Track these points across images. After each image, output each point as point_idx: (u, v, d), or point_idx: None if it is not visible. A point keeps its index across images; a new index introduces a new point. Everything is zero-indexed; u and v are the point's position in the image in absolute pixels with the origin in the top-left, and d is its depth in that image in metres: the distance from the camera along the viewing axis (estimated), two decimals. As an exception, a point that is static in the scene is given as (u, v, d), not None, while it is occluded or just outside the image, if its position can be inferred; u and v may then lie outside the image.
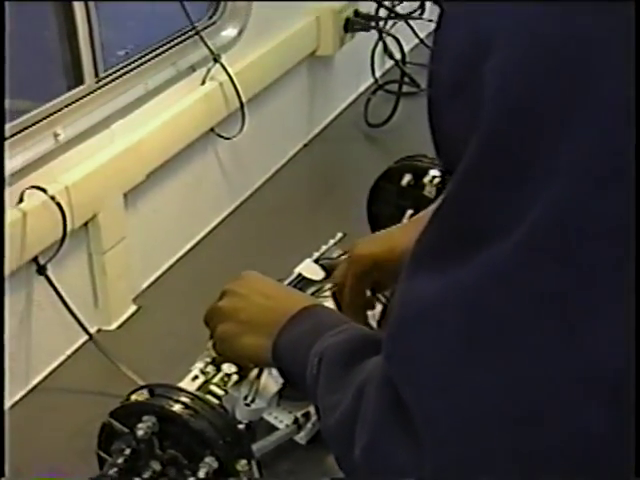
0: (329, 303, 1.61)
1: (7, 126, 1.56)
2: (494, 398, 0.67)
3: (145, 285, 1.90)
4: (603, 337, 0.63)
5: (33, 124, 1.60)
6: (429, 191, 1.78)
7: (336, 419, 0.89)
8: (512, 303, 0.65)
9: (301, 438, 1.41)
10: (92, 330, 1.69)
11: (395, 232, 1.49)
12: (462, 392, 0.69)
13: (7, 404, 1.55)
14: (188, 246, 2.03)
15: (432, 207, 1.42)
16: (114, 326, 1.77)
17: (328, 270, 1.70)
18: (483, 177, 0.66)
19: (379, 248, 1.43)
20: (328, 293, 1.64)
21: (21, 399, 1.59)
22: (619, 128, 0.60)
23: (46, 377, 1.63)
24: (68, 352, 1.68)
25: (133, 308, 1.82)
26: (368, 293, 1.48)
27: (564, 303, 0.64)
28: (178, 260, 1.99)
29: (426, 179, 1.78)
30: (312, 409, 1.43)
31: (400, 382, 0.73)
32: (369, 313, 1.48)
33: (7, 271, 1.50)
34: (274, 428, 1.40)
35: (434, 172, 1.78)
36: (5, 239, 1.38)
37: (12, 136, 1.55)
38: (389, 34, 2.65)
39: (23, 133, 1.58)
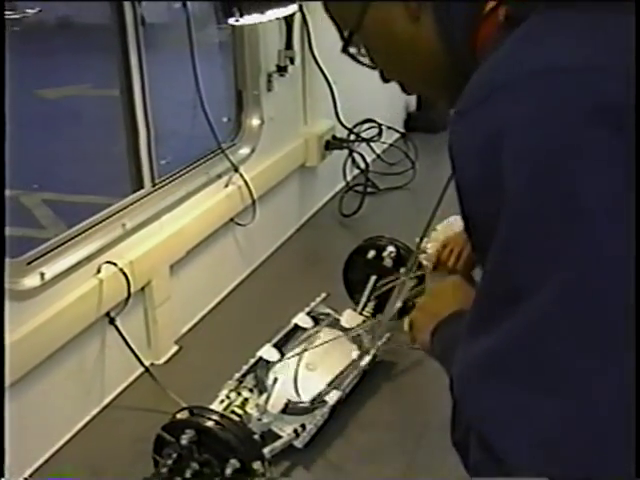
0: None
1: (91, 219, 1.57)
2: (552, 423, 0.59)
3: (184, 331, 1.88)
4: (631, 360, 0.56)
5: (108, 217, 1.61)
6: (387, 262, 1.78)
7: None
8: (551, 341, 0.58)
9: (299, 443, 1.40)
10: (147, 364, 1.67)
11: None
12: (524, 424, 0.60)
13: (86, 418, 1.54)
14: (215, 302, 2.02)
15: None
16: (162, 361, 1.75)
17: (317, 320, 1.70)
18: (514, 247, 0.60)
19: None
20: (316, 336, 1.64)
21: (97, 414, 1.57)
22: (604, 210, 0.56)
23: (114, 398, 1.61)
24: (130, 380, 1.66)
25: (175, 348, 1.80)
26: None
27: (593, 337, 0.57)
28: (208, 312, 1.97)
29: (385, 253, 1.79)
30: (307, 422, 1.42)
31: (473, 423, 0.66)
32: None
33: (87, 323, 1.50)
34: (279, 436, 1.39)
35: (391, 248, 1.79)
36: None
37: (94, 226, 1.56)
38: (356, 151, 2.68)
39: (102, 224, 1.59)
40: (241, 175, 2.04)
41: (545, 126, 0.58)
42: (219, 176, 2.00)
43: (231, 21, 1.70)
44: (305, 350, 1.58)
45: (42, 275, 1.39)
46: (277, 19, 1.98)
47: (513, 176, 0.59)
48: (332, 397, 1.46)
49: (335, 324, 1.69)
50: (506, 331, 0.61)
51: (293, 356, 1.55)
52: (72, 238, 1.51)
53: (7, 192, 1.32)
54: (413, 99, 3.47)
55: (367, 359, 1.58)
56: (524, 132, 0.58)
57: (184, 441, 1.20)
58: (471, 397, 0.65)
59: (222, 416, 1.25)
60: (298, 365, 1.53)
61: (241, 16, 1.69)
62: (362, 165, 2.70)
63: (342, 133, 2.60)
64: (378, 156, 2.95)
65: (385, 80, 0.85)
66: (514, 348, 0.61)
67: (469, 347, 0.66)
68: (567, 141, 0.57)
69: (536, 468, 0.60)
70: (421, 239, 1.45)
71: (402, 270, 1.74)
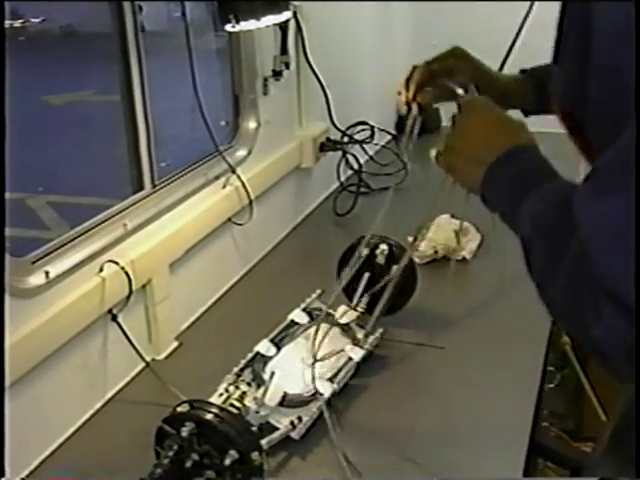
0: (308, 341, 1.60)
1: (93, 219, 1.57)
2: None
3: (184, 327, 1.87)
4: None
5: (110, 217, 1.61)
6: (380, 259, 1.77)
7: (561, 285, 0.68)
8: None
9: (295, 434, 1.40)
10: (148, 359, 1.66)
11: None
12: None
13: (90, 412, 1.53)
14: (214, 299, 2.01)
15: None
16: (163, 356, 1.74)
17: (312, 316, 1.70)
18: None
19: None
20: (311, 331, 1.63)
21: (101, 408, 1.56)
22: None
23: (117, 393, 1.60)
24: (132, 374, 1.65)
25: (175, 344, 1.79)
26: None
27: None
28: (207, 309, 1.97)
29: (377, 251, 1.78)
30: (303, 414, 1.42)
31: (610, 286, 0.60)
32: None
33: (90, 320, 1.49)
34: (276, 428, 1.39)
35: (383, 246, 1.78)
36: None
37: (96, 226, 1.56)
38: (350, 153, 2.68)
39: (104, 224, 1.58)
40: (238, 176, 2.04)
41: None
42: (217, 177, 1.99)
43: (228, 27, 1.69)
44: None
45: (47, 274, 1.39)
46: (272, 25, 1.97)
47: None
48: (327, 390, 1.46)
49: (330, 319, 1.68)
50: None
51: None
52: (75, 238, 1.50)
53: (14, 195, 1.31)
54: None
55: (361, 353, 1.58)
56: None
57: (184, 433, 1.19)
58: (611, 260, 0.60)
59: (221, 409, 1.24)
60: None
61: (237, 22, 1.68)
62: (355, 166, 2.70)
63: (336, 135, 2.60)
64: (371, 157, 2.95)
65: None
66: None
67: (602, 206, 0.60)
68: None
69: None
70: (415, 239, 1.45)
71: (394, 267, 1.74)
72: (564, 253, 0.67)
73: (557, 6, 1.36)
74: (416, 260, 1.73)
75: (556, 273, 0.67)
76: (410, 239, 1.69)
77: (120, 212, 1.64)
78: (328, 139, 2.54)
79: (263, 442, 1.28)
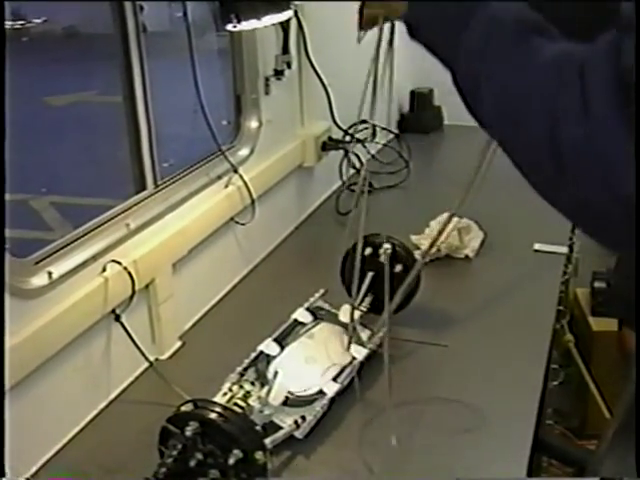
0: (312, 340, 1.60)
1: (96, 219, 1.57)
2: None
3: (187, 327, 1.87)
4: None
5: (112, 218, 1.61)
6: (383, 258, 1.76)
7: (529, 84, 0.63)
8: None
9: (299, 434, 1.40)
10: (151, 359, 1.66)
11: None
12: None
13: (94, 412, 1.53)
14: (216, 299, 2.01)
15: None
16: (166, 356, 1.74)
17: (315, 315, 1.69)
18: None
19: None
20: (314, 330, 1.63)
21: (104, 408, 1.56)
22: None
23: (121, 392, 1.60)
24: (135, 374, 1.65)
25: (179, 343, 1.79)
26: None
27: None
28: (210, 309, 1.96)
29: (381, 250, 1.77)
30: (307, 413, 1.42)
31: None
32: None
33: (93, 320, 1.49)
34: (280, 427, 1.39)
35: (386, 245, 1.77)
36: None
37: (99, 227, 1.56)
38: (352, 152, 2.67)
39: (106, 224, 1.58)
40: (240, 176, 2.04)
41: None
42: (219, 177, 1.99)
43: (229, 27, 1.70)
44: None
45: (50, 274, 1.39)
46: (273, 25, 1.97)
47: None
48: (331, 389, 1.46)
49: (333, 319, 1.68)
50: None
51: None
52: (78, 238, 1.50)
53: (17, 196, 1.31)
54: (406, 101, 3.46)
55: (364, 352, 1.58)
56: None
57: (188, 433, 1.19)
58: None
59: (225, 408, 1.24)
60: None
61: (238, 22, 1.68)
62: (358, 165, 2.70)
63: (338, 134, 2.60)
64: (373, 156, 2.95)
65: None
66: None
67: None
68: None
69: None
70: (431, 246, 1.41)
71: (398, 267, 1.74)
72: (541, 47, 0.62)
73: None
74: (418, 258, 1.73)
75: (531, 66, 0.63)
76: (413, 238, 1.69)
77: (123, 212, 1.64)
78: (330, 138, 2.54)
79: (267, 441, 1.28)
